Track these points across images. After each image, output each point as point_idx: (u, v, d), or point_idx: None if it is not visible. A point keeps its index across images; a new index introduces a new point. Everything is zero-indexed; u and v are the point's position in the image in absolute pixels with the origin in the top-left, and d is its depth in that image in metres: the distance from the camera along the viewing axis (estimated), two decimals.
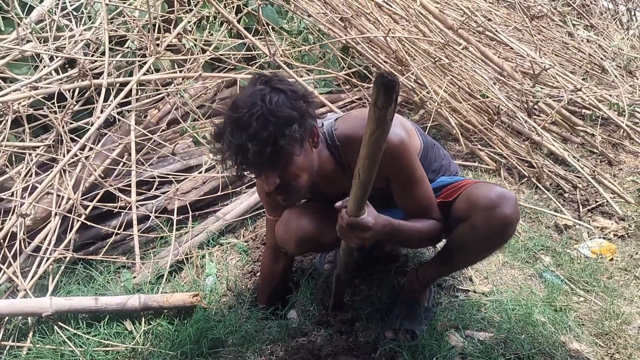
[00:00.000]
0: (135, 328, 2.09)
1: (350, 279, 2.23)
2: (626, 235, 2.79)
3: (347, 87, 3.54)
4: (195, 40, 3.06)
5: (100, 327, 2.06)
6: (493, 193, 1.64)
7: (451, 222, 1.79)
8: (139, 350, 2.00)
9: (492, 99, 3.43)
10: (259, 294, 2.30)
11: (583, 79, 4.13)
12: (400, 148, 1.63)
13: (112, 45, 2.86)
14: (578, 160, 3.26)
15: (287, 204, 1.79)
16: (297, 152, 1.52)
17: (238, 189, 2.78)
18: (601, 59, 4.48)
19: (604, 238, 2.76)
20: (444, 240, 1.93)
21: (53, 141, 2.51)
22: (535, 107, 3.60)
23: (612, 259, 2.61)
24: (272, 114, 1.44)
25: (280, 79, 1.52)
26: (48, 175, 2.34)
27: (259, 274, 2.41)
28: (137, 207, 2.52)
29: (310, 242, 1.88)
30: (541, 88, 3.63)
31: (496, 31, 3.91)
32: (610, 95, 3.82)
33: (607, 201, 3.00)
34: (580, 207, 3.00)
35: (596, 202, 3.05)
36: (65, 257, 2.30)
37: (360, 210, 1.47)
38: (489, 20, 4.33)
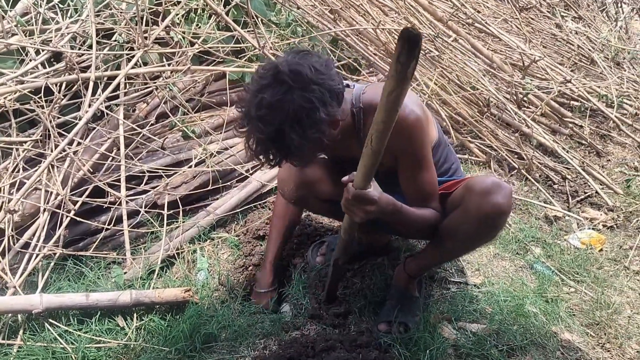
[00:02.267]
0: (127, 324, 2.08)
1: (345, 269, 2.22)
2: (615, 226, 2.82)
3: None
4: (184, 33, 3.03)
5: (91, 324, 2.04)
6: (489, 181, 1.68)
7: (447, 213, 1.80)
8: (132, 346, 1.99)
9: (482, 91, 3.43)
10: (266, 252, 2.28)
11: (572, 71, 4.15)
12: (416, 125, 1.64)
13: (100, 38, 2.82)
14: (567, 152, 3.28)
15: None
16: (313, 149, 1.55)
17: (228, 183, 2.76)
18: (590, 50, 4.51)
19: (593, 229, 2.78)
20: None
21: (40, 136, 2.48)
22: (525, 99, 3.61)
23: (601, 250, 2.63)
24: (292, 120, 1.45)
25: (297, 69, 1.47)
26: (36, 170, 2.31)
27: (251, 268, 2.39)
28: (126, 202, 2.49)
29: (308, 187, 1.97)
30: (531, 80, 3.64)
31: (486, 23, 3.92)
32: (599, 87, 3.84)
33: (596, 192, 3.03)
34: (570, 198, 3.02)
35: (585, 193, 3.08)
36: (54, 254, 2.27)
37: (367, 183, 1.50)
38: (479, 12, 4.33)
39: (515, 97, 3.54)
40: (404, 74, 1.14)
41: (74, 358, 1.90)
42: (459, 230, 1.76)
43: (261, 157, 1.54)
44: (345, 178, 1.55)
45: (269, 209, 2.71)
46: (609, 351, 2.04)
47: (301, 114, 1.45)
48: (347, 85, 1.73)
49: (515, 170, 3.20)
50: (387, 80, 1.18)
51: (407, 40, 1.09)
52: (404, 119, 1.60)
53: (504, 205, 1.64)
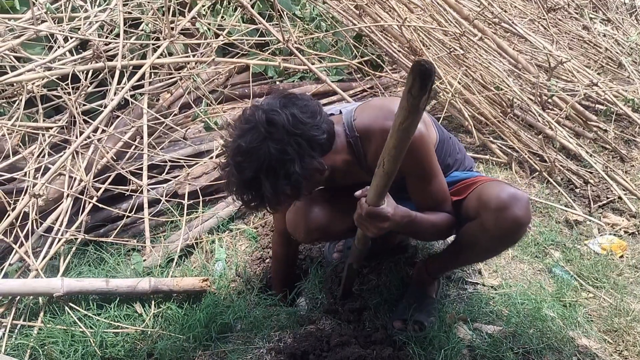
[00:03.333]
0: (145, 311, 2.11)
1: (360, 269, 2.23)
2: (637, 233, 2.77)
3: (359, 75, 3.52)
4: (209, 24, 3.05)
5: (110, 309, 2.08)
6: (504, 193, 1.61)
7: (461, 219, 1.78)
8: (149, 332, 2.02)
9: (506, 91, 3.40)
10: (273, 280, 2.32)
11: (598, 74, 4.09)
12: (419, 143, 1.60)
13: (127, 27, 2.85)
14: (591, 156, 3.24)
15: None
16: (288, 199, 1.56)
17: None
18: (617, 53, 4.43)
19: (614, 235, 2.74)
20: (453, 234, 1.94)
21: (66, 122, 2.52)
22: (550, 100, 3.56)
23: (622, 256, 2.59)
24: (266, 170, 1.45)
25: (272, 119, 1.46)
26: (61, 156, 2.35)
27: (268, 260, 2.42)
28: (148, 191, 2.53)
29: (320, 231, 1.87)
30: (556, 82, 3.59)
31: (512, 23, 3.87)
32: (625, 91, 3.78)
33: (619, 197, 2.98)
34: (592, 202, 2.98)
35: (607, 198, 3.03)
36: (76, 239, 2.31)
37: (381, 200, 1.47)
38: (505, 11, 4.28)
39: (539, 99, 3.49)
40: (415, 107, 1.11)
41: (92, 342, 1.93)
42: (477, 242, 1.73)
43: (238, 199, 1.56)
44: (358, 193, 1.51)
45: None
46: (626, 359, 2.02)
47: (275, 165, 1.44)
48: (332, 114, 1.71)
49: (537, 173, 3.17)
50: (398, 110, 1.16)
51: (419, 74, 1.06)
52: None
53: (523, 218, 1.59)
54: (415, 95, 1.09)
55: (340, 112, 1.72)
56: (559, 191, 3.01)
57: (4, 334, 1.95)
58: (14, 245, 2.17)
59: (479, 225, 1.67)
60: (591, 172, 3.19)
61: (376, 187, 1.42)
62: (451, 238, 1.99)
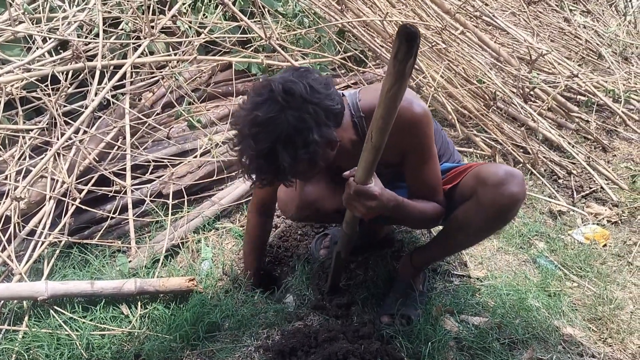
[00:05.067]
0: (131, 312, 2.09)
1: (347, 263, 2.23)
2: (619, 222, 2.81)
3: (343, 71, 3.52)
4: (190, 22, 3.02)
5: (96, 311, 2.06)
6: (502, 170, 1.65)
7: (452, 206, 1.80)
8: (136, 334, 2.00)
9: (488, 84, 3.42)
10: (246, 258, 2.29)
11: (579, 65, 4.13)
12: (424, 120, 1.62)
13: (106, 27, 2.82)
14: (573, 147, 3.27)
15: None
16: (305, 170, 1.53)
17: (233, 174, 2.77)
18: (597, 45, 4.48)
19: (597, 224, 2.78)
20: (439, 226, 1.95)
21: (47, 124, 2.49)
22: (532, 93, 3.59)
23: (605, 245, 2.63)
24: (284, 140, 1.43)
25: (291, 88, 1.44)
26: (42, 158, 2.32)
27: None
28: (132, 191, 2.51)
29: (311, 208, 1.90)
30: (537, 74, 3.62)
31: (493, 16, 3.89)
32: (606, 82, 3.82)
33: (601, 187, 3.02)
34: (575, 193, 3.02)
35: (590, 188, 3.07)
36: (60, 241, 2.29)
37: (369, 178, 1.49)
38: (486, 5, 4.30)
39: (521, 91, 3.52)
40: (402, 71, 1.13)
41: (78, 345, 1.92)
42: (471, 222, 1.74)
43: (253, 175, 1.53)
44: (346, 173, 1.54)
45: None
46: (610, 346, 2.05)
47: (293, 133, 1.43)
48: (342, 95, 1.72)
49: (520, 165, 3.19)
50: (385, 77, 1.17)
51: (404, 37, 1.07)
52: (414, 115, 1.59)
53: (519, 194, 1.63)
54: (401, 60, 1.10)
55: (344, 95, 1.72)
56: (542, 182, 3.04)
57: None
58: None
59: (475, 203, 1.69)
60: (574, 163, 3.22)
61: (364, 163, 1.44)
62: (438, 228, 2.00)
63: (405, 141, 1.52)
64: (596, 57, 4.38)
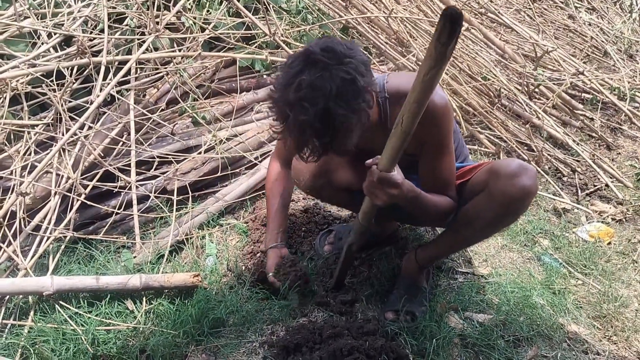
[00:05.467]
0: (136, 307, 2.10)
1: (353, 259, 2.23)
2: (624, 219, 2.81)
3: None
4: (195, 18, 3.02)
5: (101, 307, 2.06)
6: (515, 163, 1.67)
7: (461, 203, 1.80)
8: (141, 329, 2.01)
9: (493, 81, 3.41)
10: (274, 215, 2.19)
11: (584, 63, 4.11)
12: (445, 111, 1.63)
13: (111, 22, 2.82)
14: (578, 144, 3.27)
15: None
16: (359, 124, 1.50)
17: (237, 170, 2.77)
18: (603, 42, 4.46)
19: (602, 222, 2.77)
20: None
21: (52, 120, 2.49)
22: (536, 90, 3.58)
23: (610, 243, 2.63)
24: (336, 95, 1.41)
25: (329, 46, 1.45)
26: (47, 154, 2.32)
27: (259, 254, 2.40)
28: (136, 187, 2.51)
29: (325, 177, 1.92)
30: (542, 71, 3.61)
31: (498, 13, 3.88)
32: (611, 79, 3.81)
33: (606, 185, 3.01)
34: (579, 191, 3.01)
35: (595, 186, 3.07)
36: (65, 237, 2.29)
37: (393, 166, 1.51)
38: (491, 1, 4.29)
39: (526, 88, 3.51)
40: (443, 54, 1.12)
41: (84, 340, 1.92)
42: (480, 215, 1.74)
43: (308, 146, 1.50)
44: (369, 161, 1.54)
45: None
46: (615, 344, 2.05)
47: (343, 86, 1.42)
48: None
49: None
50: (424, 60, 1.16)
51: (448, 18, 1.06)
52: (435, 106, 1.58)
53: (531, 187, 1.63)
54: (443, 42, 1.10)
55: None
56: (547, 180, 3.04)
57: None
58: (1, 245, 2.15)
59: (486, 195, 1.70)
60: (578, 161, 3.22)
61: (391, 150, 1.46)
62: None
63: (425, 130, 1.52)
64: (601, 55, 4.36)
